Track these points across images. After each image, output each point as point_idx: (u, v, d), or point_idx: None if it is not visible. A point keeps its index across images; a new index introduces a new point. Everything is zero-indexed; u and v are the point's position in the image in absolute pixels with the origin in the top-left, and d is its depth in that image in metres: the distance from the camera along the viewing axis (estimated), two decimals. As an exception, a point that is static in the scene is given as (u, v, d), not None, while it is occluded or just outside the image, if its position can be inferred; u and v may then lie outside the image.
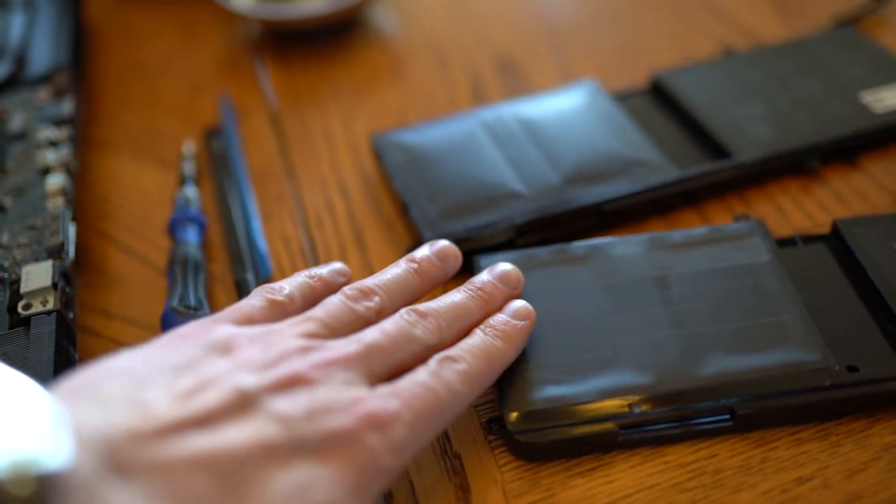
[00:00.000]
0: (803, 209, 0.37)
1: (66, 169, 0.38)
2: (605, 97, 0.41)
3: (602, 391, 0.28)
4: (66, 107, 0.41)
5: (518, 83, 0.46)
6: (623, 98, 0.42)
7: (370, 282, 0.29)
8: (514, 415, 0.28)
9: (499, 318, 0.29)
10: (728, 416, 0.28)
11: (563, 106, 0.41)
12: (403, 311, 0.28)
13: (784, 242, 0.34)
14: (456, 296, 0.29)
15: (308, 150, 0.43)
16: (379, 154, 0.39)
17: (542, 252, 0.33)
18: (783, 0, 0.50)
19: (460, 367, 0.26)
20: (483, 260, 0.33)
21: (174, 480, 0.21)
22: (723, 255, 0.32)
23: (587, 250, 0.33)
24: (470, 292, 0.29)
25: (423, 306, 0.28)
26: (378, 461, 0.23)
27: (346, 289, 0.28)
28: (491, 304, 0.29)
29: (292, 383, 0.24)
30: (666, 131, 0.40)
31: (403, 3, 0.54)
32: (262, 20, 0.49)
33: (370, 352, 0.26)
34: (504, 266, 0.31)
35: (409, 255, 0.30)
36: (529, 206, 0.35)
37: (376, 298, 0.28)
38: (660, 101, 0.42)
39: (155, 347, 0.25)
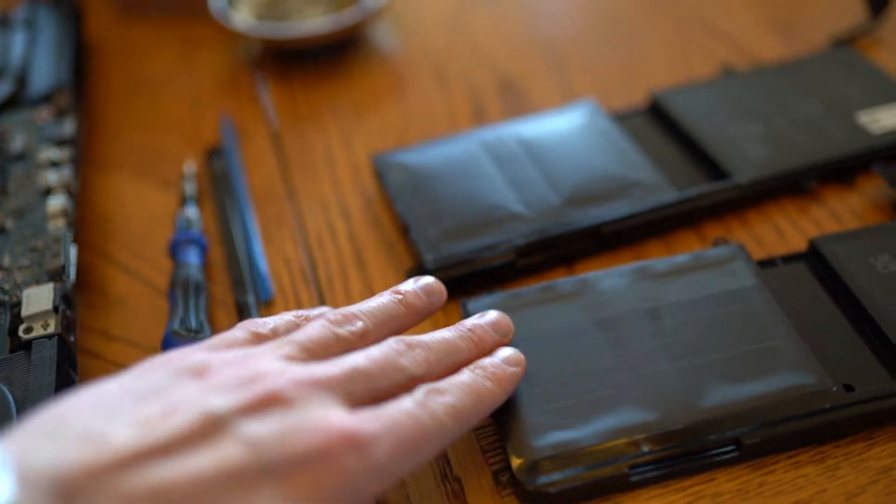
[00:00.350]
0: (801, 229, 0.37)
1: (68, 190, 0.38)
2: (604, 117, 0.41)
3: (608, 432, 0.28)
4: (67, 127, 0.42)
5: (518, 101, 0.46)
6: (622, 118, 0.42)
7: (354, 308, 0.28)
8: (521, 463, 0.27)
9: (489, 361, 0.28)
10: (734, 447, 0.28)
11: (562, 126, 0.41)
12: (392, 339, 0.27)
13: (765, 263, 0.34)
14: (445, 333, 0.29)
15: (309, 169, 0.43)
16: (380, 175, 0.40)
17: (529, 291, 0.33)
18: (781, 19, 0.50)
19: (447, 399, 0.26)
20: (471, 305, 0.33)
21: None
22: (708, 281, 0.32)
23: (574, 286, 0.33)
24: (460, 332, 0.29)
25: (411, 338, 0.28)
26: (353, 483, 0.23)
27: (329, 313, 0.28)
28: (480, 347, 0.29)
29: (266, 403, 0.23)
30: (665, 151, 0.40)
31: (403, 21, 0.54)
32: (262, 39, 0.49)
33: (353, 375, 0.25)
34: (494, 313, 0.30)
35: (393, 288, 0.30)
36: (530, 228, 0.35)
37: (359, 323, 0.28)
38: (659, 121, 0.42)
39: (129, 376, 0.24)
